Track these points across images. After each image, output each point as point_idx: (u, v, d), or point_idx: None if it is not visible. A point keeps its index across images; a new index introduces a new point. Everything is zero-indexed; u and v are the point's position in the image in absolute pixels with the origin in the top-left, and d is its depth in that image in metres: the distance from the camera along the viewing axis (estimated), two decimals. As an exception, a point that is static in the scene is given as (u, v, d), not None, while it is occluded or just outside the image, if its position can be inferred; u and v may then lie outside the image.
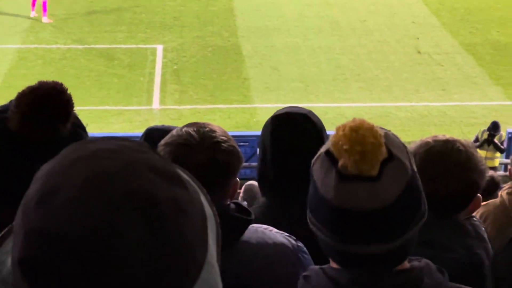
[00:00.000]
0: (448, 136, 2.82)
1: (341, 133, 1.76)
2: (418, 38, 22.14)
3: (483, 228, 2.88)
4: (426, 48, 21.49)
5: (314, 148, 2.66)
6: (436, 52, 21.28)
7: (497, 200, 7.01)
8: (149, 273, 0.99)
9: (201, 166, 2.35)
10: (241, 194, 9.14)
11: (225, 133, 2.46)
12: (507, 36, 22.44)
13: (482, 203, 7.10)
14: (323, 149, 1.85)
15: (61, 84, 2.39)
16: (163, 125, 3.80)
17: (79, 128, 2.40)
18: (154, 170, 1.05)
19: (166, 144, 2.43)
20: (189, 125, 2.48)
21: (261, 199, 3.20)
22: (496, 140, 14.81)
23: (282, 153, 3.05)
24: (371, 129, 1.76)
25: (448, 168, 2.67)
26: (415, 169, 1.86)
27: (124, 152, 1.06)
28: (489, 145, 14.77)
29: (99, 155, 1.05)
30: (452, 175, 2.66)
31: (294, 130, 3.07)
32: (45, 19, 22.84)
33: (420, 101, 18.64)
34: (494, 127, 14.88)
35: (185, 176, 1.13)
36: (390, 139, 1.82)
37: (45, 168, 1.07)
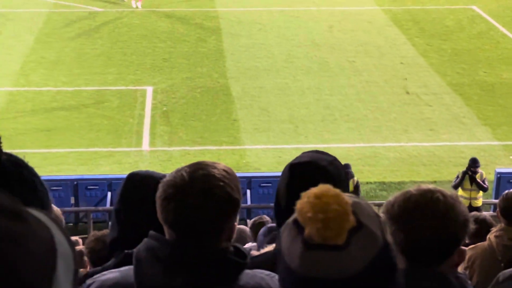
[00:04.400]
0: (432, 186, 2.75)
1: (305, 200, 1.73)
2: (406, 79, 22.28)
3: (469, 282, 2.83)
4: (414, 89, 21.62)
5: None
6: (424, 92, 21.41)
7: (485, 243, 7.01)
8: None
9: (190, 209, 2.35)
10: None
11: (224, 177, 2.43)
12: (494, 76, 22.61)
13: (471, 246, 7.11)
14: (291, 217, 1.80)
15: None
16: (146, 171, 3.71)
17: (15, 166, 2.33)
18: None
19: (161, 183, 2.44)
20: (192, 164, 2.47)
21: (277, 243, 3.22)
22: (477, 179, 14.79)
23: (294, 203, 3.06)
24: (336, 196, 1.72)
25: (424, 217, 2.63)
26: (389, 240, 1.79)
27: None
28: (471, 184, 14.74)
29: None
30: (428, 225, 2.62)
31: (308, 183, 3.07)
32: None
33: (409, 141, 18.71)
34: (474, 162, 14.87)
35: (35, 214, 1.17)
36: (360, 208, 1.76)
37: None
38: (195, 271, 2.34)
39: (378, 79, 22.33)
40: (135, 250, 2.44)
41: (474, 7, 28.78)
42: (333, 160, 3.20)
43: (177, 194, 2.38)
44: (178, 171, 2.45)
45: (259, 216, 10.55)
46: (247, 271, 2.44)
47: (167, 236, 2.43)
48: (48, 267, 1.13)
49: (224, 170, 2.46)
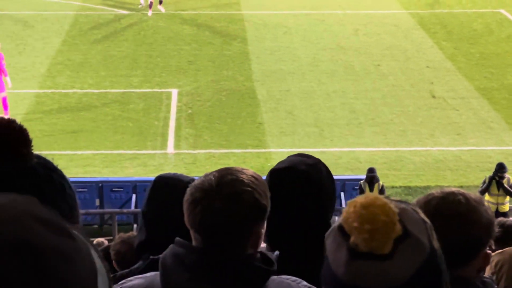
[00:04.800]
0: (456, 189, 2.73)
1: (351, 209, 1.72)
2: (432, 83, 22.16)
3: (495, 286, 2.80)
4: (441, 93, 21.50)
5: (308, 206, 2.59)
6: (451, 96, 21.29)
7: (512, 248, 6.97)
8: None
9: (216, 213, 2.34)
10: None
11: (252, 183, 2.42)
12: (523, 80, 22.44)
13: (498, 251, 7.04)
14: (336, 224, 1.80)
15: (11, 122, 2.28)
16: (174, 173, 3.73)
17: (45, 169, 2.34)
18: (40, 221, 1.13)
19: (189, 187, 2.45)
20: (220, 169, 2.48)
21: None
22: (505, 184, 14.68)
23: (277, 209, 3.00)
24: (383, 206, 1.71)
25: (445, 219, 2.59)
26: (436, 246, 1.79)
27: (11, 206, 1.15)
28: (498, 190, 14.64)
29: None
30: (448, 228, 2.57)
31: (288, 188, 3.08)
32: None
33: (435, 145, 18.60)
34: (501, 167, 14.75)
35: (74, 230, 1.21)
36: (407, 215, 1.76)
37: None
38: (221, 278, 2.33)
39: (404, 83, 22.23)
40: (161, 256, 2.43)
41: (502, 11, 28.59)
42: (315, 164, 3.17)
43: (204, 198, 2.36)
44: (206, 175, 2.45)
45: None
46: (274, 277, 2.43)
47: (193, 241, 2.42)
48: (92, 284, 1.16)
49: (252, 176, 2.45)
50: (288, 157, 3.28)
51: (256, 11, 28.59)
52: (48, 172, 2.28)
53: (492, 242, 8.41)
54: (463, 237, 2.59)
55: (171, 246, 2.42)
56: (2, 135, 2.20)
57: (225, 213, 2.35)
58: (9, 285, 1.06)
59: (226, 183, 2.39)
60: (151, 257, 3.09)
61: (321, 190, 3.09)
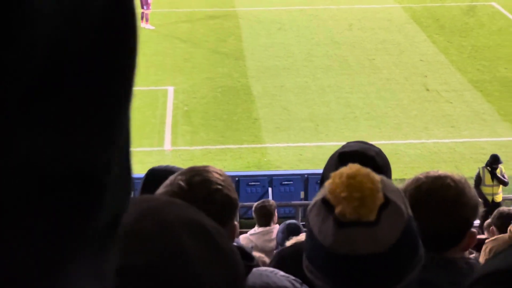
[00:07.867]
0: (441, 171, 2.76)
1: (337, 180, 1.78)
2: (426, 76, 22.30)
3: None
4: (434, 86, 21.63)
5: None
6: (444, 89, 21.42)
7: (506, 235, 7.12)
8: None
9: None
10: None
11: (220, 180, 2.44)
12: (515, 72, 22.58)
13: (492, 238, 7.21)
14: (318, 197, 1.85)
15: None
16: (166, 166, 3.75)
17: None
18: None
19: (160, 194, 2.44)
20: (184, 172, 2.48)
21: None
22: (498, 173, 14.88)
23: None
24: (367, 175, 1.79)
25: (436, 204, 2.63)
26: (411, 213, 1.87)
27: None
28: (493, 180, 14.83)
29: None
30: (440, 212, 2.62)
31: None
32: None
33: (430, 138, 18.73)
34: (495, 159, 14.96)
35: None
36: (385, 184, 1.83)
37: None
38: None
39: (398, 76, 22.36)
40: None
41: (494, 4, 28.70)
42: (380, 152, 3.19)
43: None
44: (172, 181, 2.46)
45: (262, 200, 10.64)
46: (253, 269, 2.41)
47: None
48: None
49: (217, 173, 2.48)
50: (350, 142, 3.27)
51: (250, 8, 28.68)
52: None
53: (495, 230, 8.48)
54: (453, 220, 2.62)
55: None
56: None
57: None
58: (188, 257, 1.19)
59: (196, 185, 2.40)
60: None
61: (387, 176, 3.09)
